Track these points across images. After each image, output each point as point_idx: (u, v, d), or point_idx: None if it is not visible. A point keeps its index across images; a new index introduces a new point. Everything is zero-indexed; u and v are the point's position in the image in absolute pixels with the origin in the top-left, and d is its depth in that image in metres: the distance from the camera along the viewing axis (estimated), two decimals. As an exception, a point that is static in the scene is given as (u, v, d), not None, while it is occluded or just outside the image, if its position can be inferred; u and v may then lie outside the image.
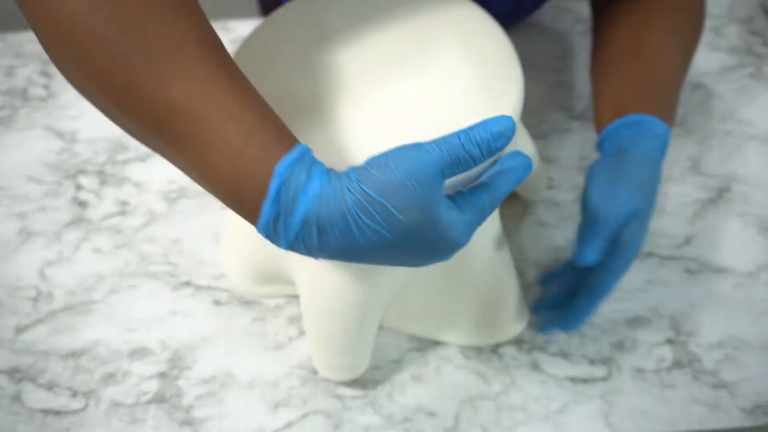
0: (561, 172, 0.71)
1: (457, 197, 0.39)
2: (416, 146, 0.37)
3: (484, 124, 0.38)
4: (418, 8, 0.54)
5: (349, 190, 0.36)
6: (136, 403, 0.58)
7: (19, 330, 0.62)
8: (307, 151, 0.38)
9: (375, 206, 0.36)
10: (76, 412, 0.57)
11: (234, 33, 0.84)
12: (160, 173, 0.71)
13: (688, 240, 0.66)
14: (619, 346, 0.60)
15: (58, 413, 0.57)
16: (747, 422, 0.56)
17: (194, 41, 0.37)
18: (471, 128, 0.38)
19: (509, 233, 0.67)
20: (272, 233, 0.37)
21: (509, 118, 0.38)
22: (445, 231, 0.37)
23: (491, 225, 0.54)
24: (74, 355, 0.60)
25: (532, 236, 0.67)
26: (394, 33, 0.53)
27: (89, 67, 0.36)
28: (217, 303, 0.63)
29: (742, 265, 0.65)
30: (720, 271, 0.64)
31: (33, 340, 0.61)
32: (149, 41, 0.36)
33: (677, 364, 0.59)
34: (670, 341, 0.60)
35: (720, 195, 0.69)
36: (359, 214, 0.36)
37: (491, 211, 0.41)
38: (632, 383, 0.58)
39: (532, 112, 0.76)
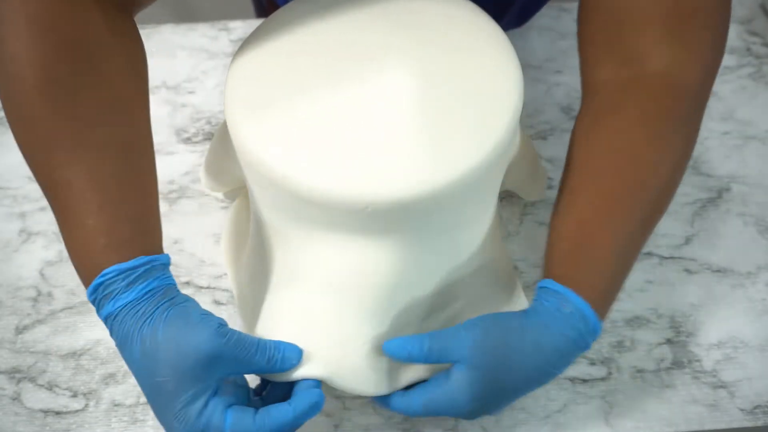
0: (561, 172, 0.71)
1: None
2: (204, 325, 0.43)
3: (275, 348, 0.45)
4: (416, 9, 0.54)
5: (144, 326, 0.42)
6: (137, 403, 0.58)
7: (20, 330, 0.62)
8: (144, 265, 0.43)
9: (140, 344, 0.42)
10: (76, 412, 0.57)
11: (234, 33, 0.84)
12: (160, 173, 0.71)
13: (688, 240, 0.66)
14: (619, 346, 0.60)
15: (58, 413, 0.57)
16: (746, 422, 0.56)
17: (91, 149, 0.43)
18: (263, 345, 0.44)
19: (509, 233, 0.67)
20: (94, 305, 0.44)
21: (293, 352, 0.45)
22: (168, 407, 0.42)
23: (482, 229, 0.54)
24: (74, 355, 0.60)
25: (532, 236, 0.67)
26: (393, 34, 0.53)
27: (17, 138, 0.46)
28: (217, 303, 0.63)
29: (741, 265, 0.65)
30: (720, 271, 0.64)
31: (33, 340, 0.61)
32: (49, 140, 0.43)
33: (677, 364, 0.59)
34: (669, 341, 0.60)
35: (720, 195, 0.69)
36: (131, 339, 0.42)
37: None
38: (632, 383, 0.58)
39: (532, 112, 0.76)
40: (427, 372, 0.50)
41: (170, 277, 0.45)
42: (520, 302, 0.61)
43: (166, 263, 0.46)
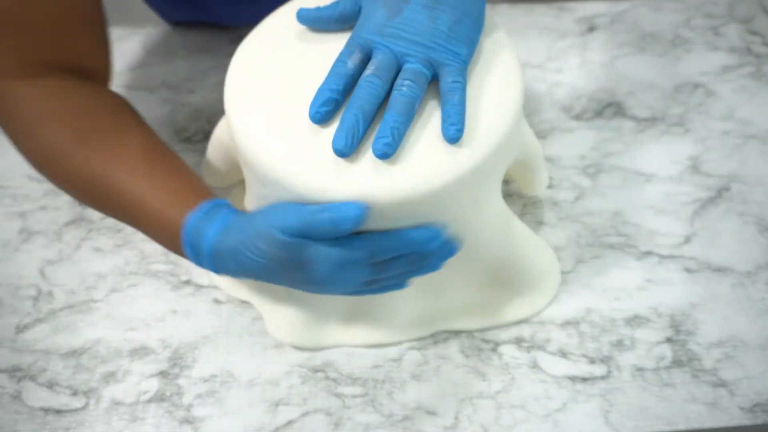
0: (561, 171, 0.71)
1: (337, 241, 0.46)
2: (284, 207, 0.47)
3: (331, 208, 0.45)
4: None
5: (237, 231, 0.48)
6: (137, 401, 0.58)
7: (20, 329, 0.62)
8: (209, 205, 0.50)
9: (248, 244, 0.47)
10: (76, 410, 0.58)
11: (234, 33, 0.84)
12: (160, 173, 0.71)
13: (688, 239, 0.66)
14: (619, 344, 0.60)
15: (58, 412, 0.57)
16: (746, 421, 0.56)
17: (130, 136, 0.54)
18: (322, 208, 0.45)
19: (509, 232, 0.67)
20: (201, 266, 0.51)
21: (357, 206, 0.44)
22: (305, 265, 0.46)
23: (494, 208, 0.54)
24: (75, 353, 0.60)
25: (532, 235, 0.67)
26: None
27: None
28: (217, 302, 0.63)
29: (741, 264, 0.65)
30: (719, 270, 0.64)
31: (33, 339, 0.61)
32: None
33: (677, 363, 0.59)
34: (669, 340, 0.60)
35: (719, 194, 0.70)
36: (241, 248, 0.47)
37: (367, 255, 0.46)
38: (632, 382, 0.58)
39: (532, 112, 0.76)
40: None
41: (234, 210, 0.51)
42: (538, 303, 0.61)
43: (225, 203, 0.51)
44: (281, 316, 0.60)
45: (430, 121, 0.48)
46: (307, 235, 0.45)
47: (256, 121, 0.49)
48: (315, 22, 0.52)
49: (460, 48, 0.48)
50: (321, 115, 0.47)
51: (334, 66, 0.48)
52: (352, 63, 0.48)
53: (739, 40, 0.83)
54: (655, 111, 0.76)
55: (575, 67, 0.81)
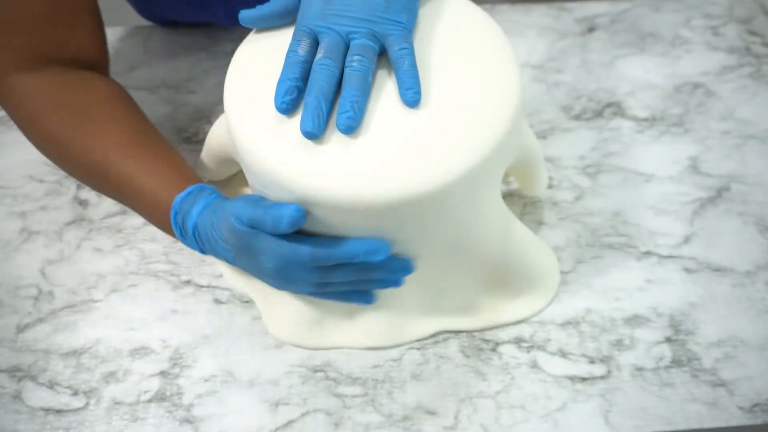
0: (561, 171, 0.71)
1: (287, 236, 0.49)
2: (246, 199, 0.50)
3: (273, 206, 0.47)
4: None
5: (212, 214, 0.52)
6: (137, 401, 0.58)
7: (20, 329, 0.62)
8: (195, 188, 0.54)
9: (216, 227, 0.51)
10: (77, 410, 0.58)
11: (234, 33, 0.84)
12: (160, 173, 0.71)
13: (687, 239, 0.66)
14: (618, 344, 0.60)
15: (59, 412, 0.57)
16: (746, 421, 0.56)
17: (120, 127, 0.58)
18: (270, 205, 0.47)
19: (509, 232, 0.67)
20: (187, 245, 0.55)
21: (293, 208, 0.46)
22: (255, 255, 0.50)
23: (492, 207, 0.55)
24: (75, 353, 0.61)
25: (532, 235, 0.67)
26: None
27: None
28: (217, 302, 0.63)
29: (741, 264, 0.65)
30: (719, 270, 0.64)
31: (34, 339, 0.61)
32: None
33: (676, 363, 0.59)
34: (669, 340, 0.60)
35: (719, 194, 0.70)
36: (211, 231, 0.52)
37: (309, 257, 0.48)
38: (631, 382, 0.58)
39: (532, 112, 0.76)
40: None
41: (218, 194, 0.55)
42: (538, 303, 0.61)
43: (210, 187, 0.55)
44: (281, 314, 0.60)
45: (431, 121, 0.48)
46: (256, 228, 0.48)
47: (255, 121, 0.49)
48: (259, 21, 0.54)
49: (400, 17, 0.50)
50: (287, 104, 0.48)
51: (287, 57, 0.50)
52: (302, 50, 0.50)
53: (738, 41, 0.83)
54: (654, 111, 0.76)
55: (575, 67, 0.81)
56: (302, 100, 0.49)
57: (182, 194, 0.54)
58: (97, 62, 0.62)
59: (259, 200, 0.49)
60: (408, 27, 0.51)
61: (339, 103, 0.48)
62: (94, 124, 0.57)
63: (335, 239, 0.48)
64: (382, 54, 0.51)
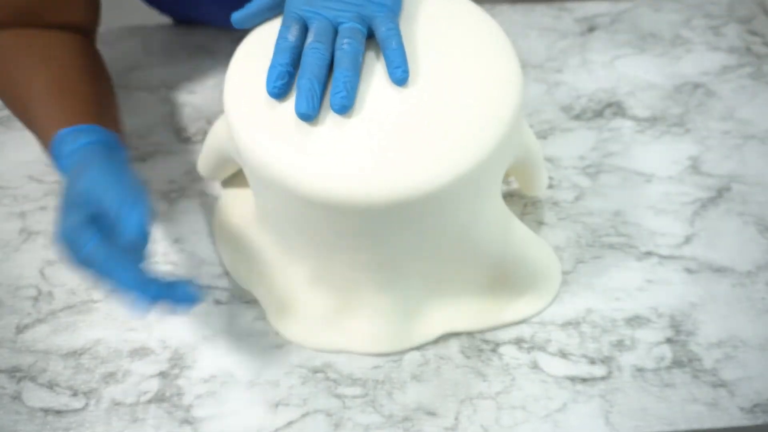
0: (561, 172, 0.71)
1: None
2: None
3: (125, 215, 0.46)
4: (416, 9, 0.54)
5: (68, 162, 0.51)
6: (137, 402, 0.58)
7: (20, 329, 0.62)
8: (73, 131, 0.53)
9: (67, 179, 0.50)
10: (76, 411, 0.58)
11: (234, 33, 0.84)
12: (160, 173, 0.72)
13: (688, 239, 0.66)
14: (619, 345, 0.60)
15: (58, 412, 0.57)
16: (746, 421, 0.56)
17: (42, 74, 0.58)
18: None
19: (509, 233, 0.67)
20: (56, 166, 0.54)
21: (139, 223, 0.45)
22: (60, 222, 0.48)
23: (491, 206, 0.54)
24: (75, 354, 0.60)
25: (532, 236, 0.67)
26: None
27: None
28: (217, 302, 0.63)
29: (741, 264, 0.65)
30: (719, 270, 0.64)
31: (33, 340, 0.61)
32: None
33: (677, 363, 0.59)
34: (669, 340, 0.60)
35: (720, 194, 0.70)
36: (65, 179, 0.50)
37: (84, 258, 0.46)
38: (632, 382, 0.58)
39: (532, 112, 0.76)
40: None
41: (109, 137, 0.54)
42: (539, 302, 0.61)
43: (110, 136, 0.54)
44: (289, 313, 0.60)
45: (431, 121, 0.48)
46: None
47: (255, 121, 0.49)
48: (250, 19, 0.54)
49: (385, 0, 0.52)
50: (278, 89, 0.49)
51: (277, 44, 0.50)
52: (292, 36, 0.50)
53: (738, 40, 0.83)
54: (655, 111, 0.76)
55: (575, 67, 0.81)
56: (294, 85, 0.50)
57: (64, 131, 0.53)
58: (83, 27, 0.63)
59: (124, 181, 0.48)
60: (393, 9, 0.52)
61: (332, 84, 0.48)
62: (27, 61, 0.58)
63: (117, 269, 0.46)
64: (371, 39, 0.52)
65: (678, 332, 0.61)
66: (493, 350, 0.60)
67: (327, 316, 0.59)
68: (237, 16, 0.54)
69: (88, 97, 0.57)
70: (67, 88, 0.57)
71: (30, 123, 0.58)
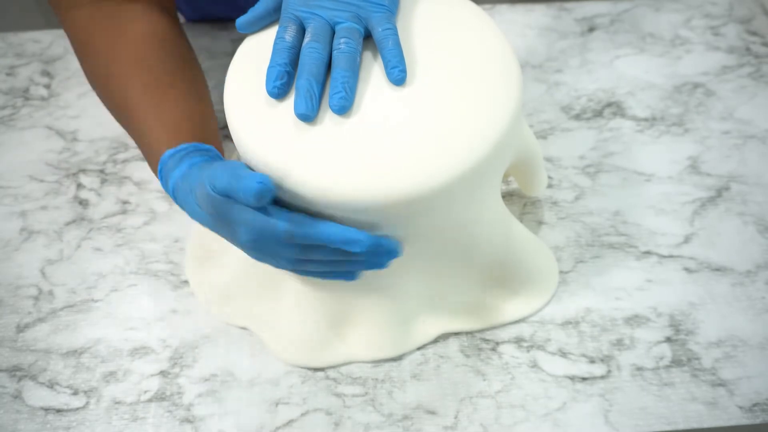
0: (561, 171, 0.71)
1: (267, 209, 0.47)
2: (224, 166, 0.47)
3: (244, 176, 0.45)
4: (416, 9, 0.54)
5: (191, 178, 0.50)
6: (137, 401, 0.58)
7: (20, 328, 0.62)
8: (186, 148, 0.53)
9: (193, 191, 0.50)
10: (77, 410, 0.58)
11: (234, 33, 0.84)
12: (160, 172, 0.72)
13: (687, 239, 0.66)
14: (619, 344, 0.60)
15: (59, 411, 0.57)
16: (745, 420, 0.56)
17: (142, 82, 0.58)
18: (245, 175, 0.45)
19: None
20: (166, 191, 0.54)
21: (258, 178, 0.44)
22: (229, 223, 0.48)
23: (491, 205, 0.54)
24: (75, 353, 0.61)
25: (532, 235, 0.67)
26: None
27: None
28: (217, 302, 0.63)
29: (741, 264, 0.65)
30: (719, 270, 0.64)
31: (34, 339, 0.61)
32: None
33: (676, 363, 0.59)
34: (669, 340, 0.60)
35: (719, 194, 0.70)
36: (188, 194, 0.50)
37: (285, 234, 0.46)
38: (631, 381, 0.58)
39: (532, 112, 0.76)
40: None
41: (216, 155, 0.54)
42: (537, 302, 0.61)
43: (212, 149, 0.54)
44: (286, 338, 0.59)
45: (431, 120, 0.48)
46: (229, 197, 0.46)
47: (256, 121, 0.49)
48: (256, 22, 0.54)
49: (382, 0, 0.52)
50: (278, 89, 0.49)
51: (275, 44, 0.50)
52: (289, 37, 0.50)
53: (738, 40, 0.83)
54: (654, 111, 0.77)
55: (575, 67, 0.81)
56: (293, 85, 0.50)
57: (170, 151, 0.53)
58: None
59: (236, 168, 0.46)
60: (390, 9, 0.52)
61: (330, 85, 0.49)
62: (119, 66, 0.58)
63: (315, 219, 0.47)
64: (368, 39, 0.52)
65: (677, 331, 0.61)
66: (493, 349, 0.60)
67: (326, 332, 0.59)
68: (241, 21, 0.54)
69: (179, 94, 0.58)
70: (162, 89, 0.58)
71: (132, 133, 0.59)
